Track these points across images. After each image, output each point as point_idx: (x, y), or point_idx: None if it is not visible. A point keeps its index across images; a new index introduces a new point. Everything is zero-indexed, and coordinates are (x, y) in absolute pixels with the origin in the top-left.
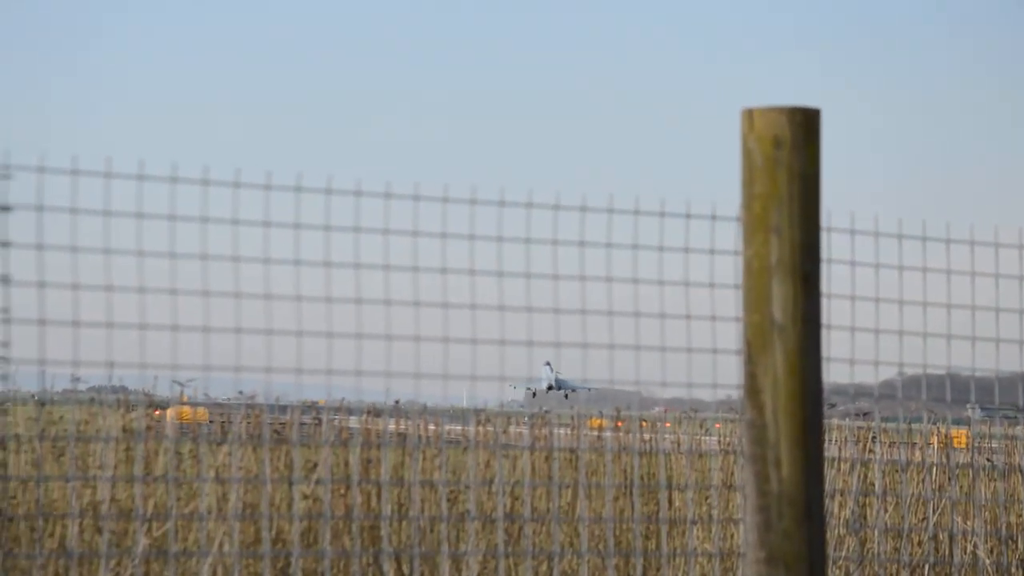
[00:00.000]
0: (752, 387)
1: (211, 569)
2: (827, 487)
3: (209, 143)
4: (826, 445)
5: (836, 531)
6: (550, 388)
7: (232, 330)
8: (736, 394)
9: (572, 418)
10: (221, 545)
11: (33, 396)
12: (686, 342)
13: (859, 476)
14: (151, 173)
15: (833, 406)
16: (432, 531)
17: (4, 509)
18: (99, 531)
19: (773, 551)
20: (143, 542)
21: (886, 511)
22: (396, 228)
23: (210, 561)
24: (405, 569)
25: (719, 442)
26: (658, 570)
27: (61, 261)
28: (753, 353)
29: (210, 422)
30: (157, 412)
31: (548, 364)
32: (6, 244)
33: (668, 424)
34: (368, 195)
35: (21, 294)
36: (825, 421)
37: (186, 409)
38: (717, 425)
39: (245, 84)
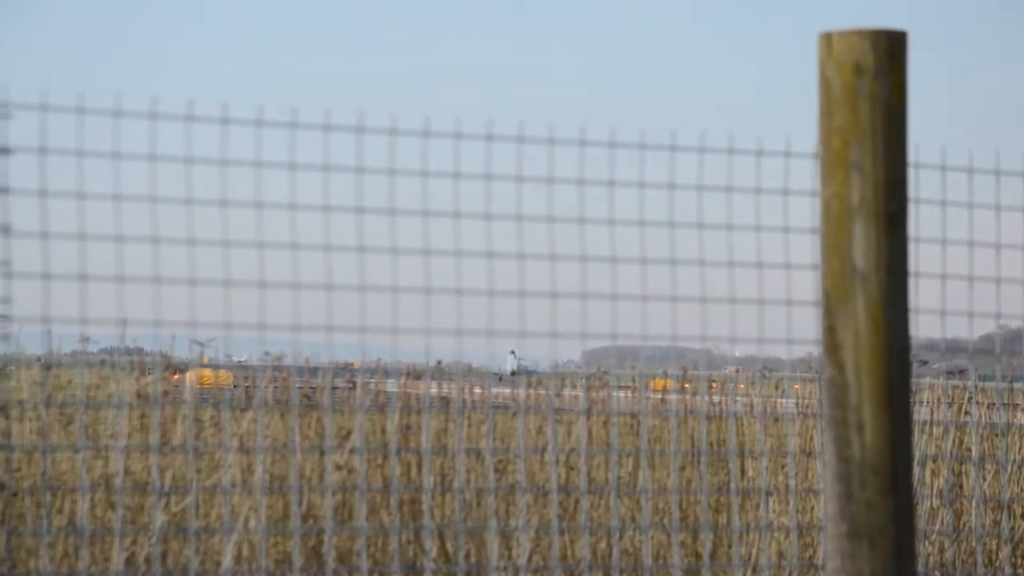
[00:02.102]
0: (831, 342)
1: (235, 547)
2: (916, 453)
3: (228, 79)
4: (916, 407)
5: (928, 502)
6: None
7: (256, 284)
8: (814, 351)
9: (633, 379)
10: (246, 521)
11: (38, 359)
12: (757, 293)
13: (954, 441)
14: (165, 111)
15: (924, 363)
16: (478, 504)
17: (7, 483)
18: (112, 506)
19: (855, 524)
20: (160, 518)
21: (984, 480)
22: (434, 169)
23: (234, 538)
24: (449, 546)
25: (797, 405)
26: (729, 546)
27: (67, 209)
28: (832, 304)
29: (234, 387)
30: (175, 376)
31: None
32: (5, 190)
33: (741, 386)
34: (404, 133)
35: (23, 245)
36: (914, 380)
37: (207, 372)
38: (796, 386)
39: (248, 15)
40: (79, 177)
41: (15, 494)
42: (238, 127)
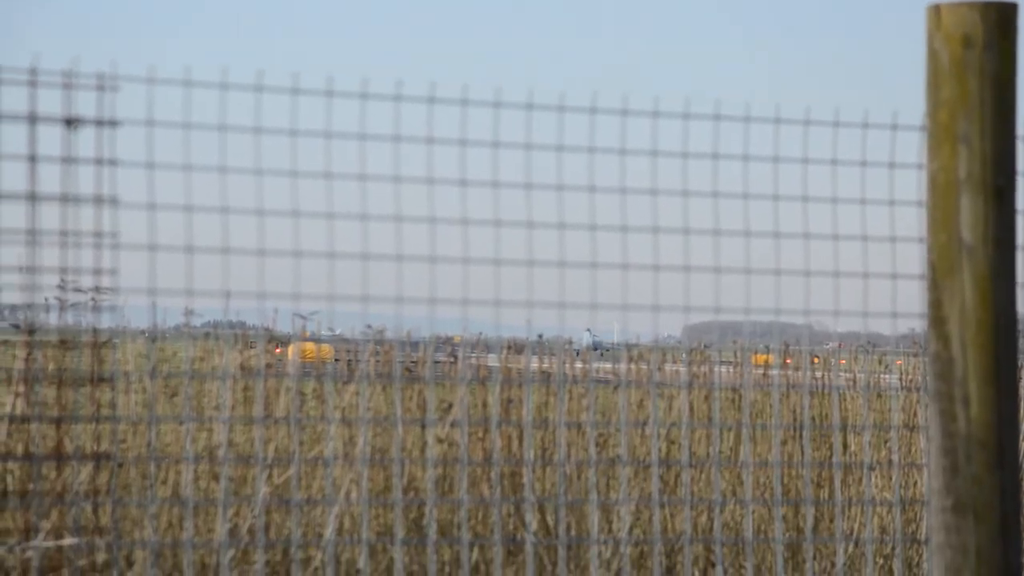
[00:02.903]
0: (936, 316)
1: (337, 519)
2: None
3: (332, 50)
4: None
5: None
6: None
7: (359, 256)
8: (919, 326)
9: (735, 354)
10: (348, 493)
11: (144, 332)
12: (862, 266)
13: None
14: (270, 84)
15: None
16: (579, 478)
17: (113, 453)
18: (216, 477)
19: (961, 498)
20: (264, 489)
21: None
22: (536, 142)
23: (336, 510)
24: (549, 519)
25: (900, 380)
26: (831, 520)
27: (173, 181)
28: (938, 278)
29: (336, 360)
30: (278, 349)
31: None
32: (114, 162)
33: (843, 361)
34: (506, 106)
35: (130, 217)
36: (1023, 354)
37: (310, 345)
38: (898, 362)
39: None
40: (186, 149)
41: (121, 465)
42: (341, 99)
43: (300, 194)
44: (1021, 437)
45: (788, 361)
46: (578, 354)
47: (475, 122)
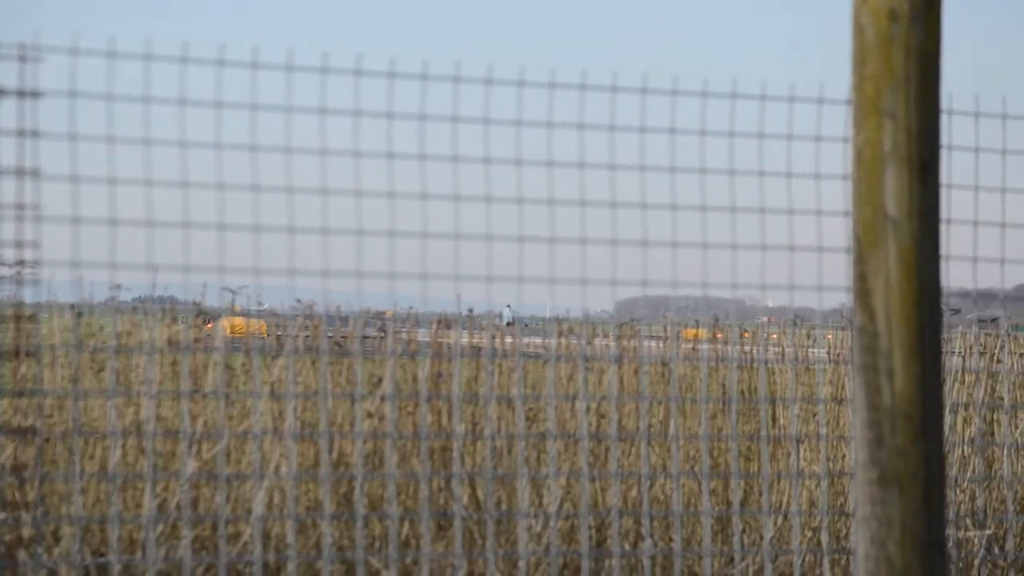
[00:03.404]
0: (862, 289)
1: (266, 494)
2: (948, 401)
3: (259, 23)
4: (948, 355)
5: (960, 450)
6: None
7: (284, 229)
8: (846, 299)
9: (665, 328)
10: (277, 468)
11: (72, 306)
12: (788, 240)
13: (985, 389)
14: (195, 55)
15: (956, 312)
16: (509, 452)
17: (39, 428)
18: (143, 452)
19: (886, 470)
20: (192, 464)
21: (1015, 427)
22: (464, 115)
23: (265, 485)
24: (479, 493)
25: (828, 353)
26: (760, 494)
27: (96, 153)
28: (863, 251)
29: (267, 336)
30: (209, 325)
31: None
32: (36, 134)
33: (774, 336)
34: (434, 79)
35: (52, 189)
36: (947, 328)
37: (240, 320)
38: (828, 336)
39: None
40: (109, 121)
41: (47, 440)
42: (268, 72)
43: (226, 166)
44: (946, 410)
45: (719, 336)
46: (498, 329)
47: (403, 95)
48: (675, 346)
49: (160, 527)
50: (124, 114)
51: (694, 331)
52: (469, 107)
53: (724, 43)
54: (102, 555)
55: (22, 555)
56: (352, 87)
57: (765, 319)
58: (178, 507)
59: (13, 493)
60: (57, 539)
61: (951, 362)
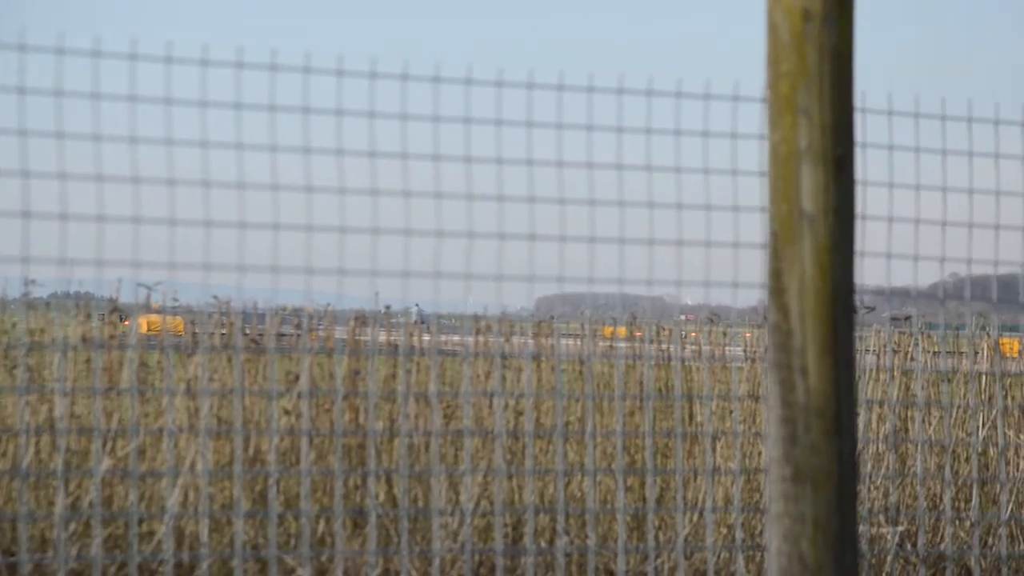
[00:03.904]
0: (776, 286)
1: (181, 491)
2: (863, 398)
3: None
4: (863, 353)
5: (874, 447)
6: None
7: (201, 223)
8: (763, 297)
9: (582, 326)
10: (192, 465)
11: None
12: (705, 236)
13: (899, 387)
14: (108, 49)
15: (871, 310)
16: (426, 449)
17: None
18: (56, 449)
19: (799, 467)
20: (105, 462)
21: (929, 425)
22: (382, 111)
23: (179, 482)
24: (396, 490)
25: (745, 351)
26: (676, 491)
27: (8, 146)
28: (779, 247)
29: (184, 334)
30: (126, 322)
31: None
32: None
33: (694, 334)
34: (322, 71)
35: None
36: (863, 326)
37: (156, 318)
38: (747, 334)
39: None
40: (21, 114)
41: None
42: (180, 66)
43: (141, 160)
44: (859, 407)
45: (639, 334)
46: (415, 326)
47: (318, 89)
48: (591, 344)
49: (72, 525)
50: (37, 107)
51: (611, 329)
52: (385, 102)
53: (641, 41)
54: (12, 554)
55: None
56: (267, 80)
57: (683, 317)
58: (91, 505)
59: None
60: None
61: (865, 360)
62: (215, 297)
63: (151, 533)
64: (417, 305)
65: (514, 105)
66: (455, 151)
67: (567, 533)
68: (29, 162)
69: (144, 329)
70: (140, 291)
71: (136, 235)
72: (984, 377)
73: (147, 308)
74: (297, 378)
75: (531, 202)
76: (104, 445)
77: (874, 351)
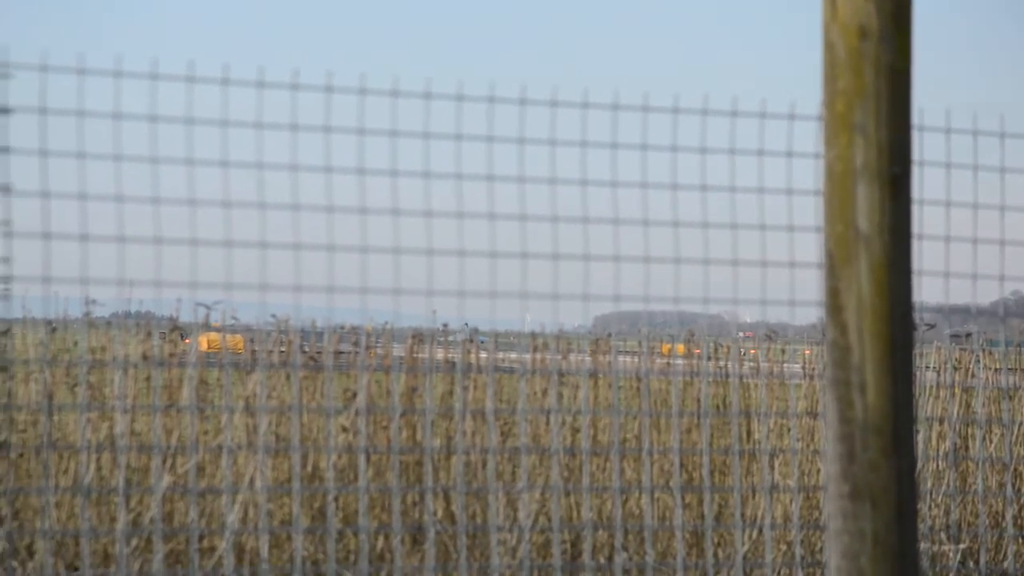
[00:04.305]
0: (834, 304)
1: (241, 507)
2: (922, 415)
3: (227, 41)
4: (924, 370)
5: (934, 464)
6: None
7: (257, 244)
8: (819, 314)
9: (639, 343)
10: (251, 482)
11: (50, 322)
12: (760, 255)
13: (959, 404)
14: (165, 72)
15: (931, 327)
16: (484, 467)
17: (12, 442)
18: (117, 466)
19: (857, 484)
20: (165, 479)
21: (989, 442)
22: (436, 131)
23: (239, 499)
24: (453, 506)
25: (803, 368)
26: (734, 508)
27: (67, 169)
28: (835, 267)
29: (244, 351)
30: (187, 340)
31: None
32: (6, 150)
33: (753, 351)
34: (404, 95)
35: (24, 205)
36: (923, 343)
37: (215, 336)
38: (806, 351)
39: None
40: (79, 137)
41: (21, 454)
42: (239, 88)
43: (198, 182)
44: (918, 424)
45: (697, 351)
46: (472, 344)
47: (373, 111)
48: (648, 360)
49: (133, 541)
50: (95, 130)
51: (669, 346)
52: (440, 123)
53: (696, 60)
54: (76, 569)
55: None
56: (323, 103)
57: (741, 334)
58: (152, 521)
59: None
60: (31, 553)
61: (926, 377)
62: (274, 316)
63: (212, 549)
64: (467, 324)
65: (569, 125)
66: (509, 171)
67: (625, 550)
68: (87, 185)
69: (204, 347)
70: (199, 310)
71: (194, 256)
72: None
73: (207, 327)
74: (355, 395)
75: (585, 222)
76: (164, 462)
77: (935, 368)
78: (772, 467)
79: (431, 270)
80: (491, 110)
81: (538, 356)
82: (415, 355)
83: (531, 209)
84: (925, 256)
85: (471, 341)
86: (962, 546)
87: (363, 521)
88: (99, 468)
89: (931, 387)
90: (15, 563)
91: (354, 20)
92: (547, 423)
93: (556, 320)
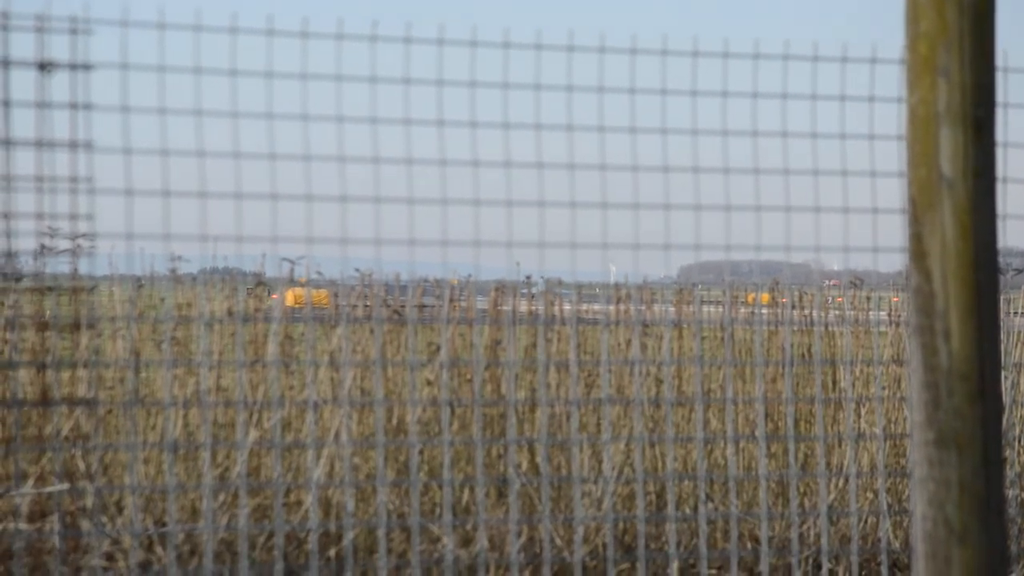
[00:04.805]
0: (918, 250)
1: (326, 461)
2: (1009, 361)
3: None
4: (1009, 315)
5: (1021, 410)
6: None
7: (337, 199)
8: (904, 262)
9: (723, 293)
10: (336, 436)
11: (136, 279)
12: (842, 201)
13: None
14: (244, 25)
15: (1020, 272)
16: (567, 418)
17: (101, 399)
18: (203, 422)
19: (943, 431)
20: (251, 433)
21: None
22: (514, 81)
23: (324, 453)
24: (537, 459)
25: (889, 315)
26: (819, 457)
27: (149, 125)
28: (918, 212)
29: (329, 306)
30: (274, 295)
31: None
32: (88, 106)
33: (840, 299)
34: (483, 45)
35: (106, 161)
36: (1011, 288)
37: (302, 291)
38: (894, 299)
39: None
40: (160, 93)
41: (109, 411)
42: (318, 40)
43: (276, 136)
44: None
45: (783, 300)
46: (557, 296)
47: (451, 62)
48: (732, 310)
49: (220, 496)
50: (175, 85)
51: (753, 296)
52: (518, 73)
53: (775, 4)
54: (164, 524)
55: (85, 524)
56: (402, 54)
57: (827, 282)
58: (238, 476)
59: (75, 463)
60: (120, 508)
61: (1012, 322)
62: (357, 270)
63: (297, 503)
64: (543, 277)
65: (648, 72)
66: (588, 121)
67: (710, 500)
68: (169, 141)
69: (290, 302)
70: (284, 265)
71: (275, 210)
72: None
73: (292, 282)
74: (438, 349)
75: (665, 171)
76: (250, 417)
77: (1022, 313)
78: (857, 415)
79: (511, 222)
80: (569, 59)
81: (621, 307)
82: (498, 307)
83: (610, 159)
84: (1010, 199)
85: (554, 293)
86: None
87: (447, 474)
88: (185, 424)
89: (1019, 332)
90: (104, 518)
91: None
92: (630, 374)
93: (639, 271)
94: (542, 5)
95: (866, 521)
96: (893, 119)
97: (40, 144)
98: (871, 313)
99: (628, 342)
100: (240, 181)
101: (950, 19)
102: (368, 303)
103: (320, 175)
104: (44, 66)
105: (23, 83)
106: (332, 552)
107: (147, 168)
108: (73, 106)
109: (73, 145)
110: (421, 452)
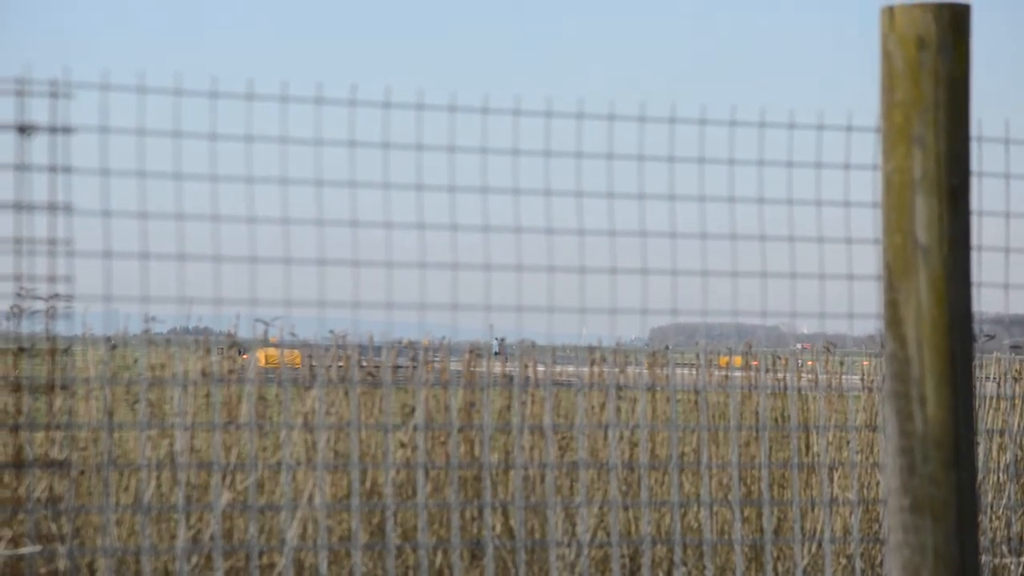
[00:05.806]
0: (893, 317)
1: (300, 523)
2: (982, 427)
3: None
4: (983, 381)
5: (995, 476)
6: (496, 354)
7: (314, 261)
8: (878, 326)
9: (697, 356)
10: (310, 498)
11: (109, 339)
12: (818, 268)
13: (1020, 415)
14: (224, 90)
15: (991, 338)
16: (541, 481)
17: (74, 460)
18: (177, 484)
19: (918, 498)
20: (225, 496)
21: None
22: (493, 147)
23: (298, 515)
24: (512, 522)
25: (862, 380)
26: (793, 521)
27: (127, 188)
28: (894, 279)
29: (301, 366)
30: (245, 356)
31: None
32: (68, 169)
33: (812, 363)
34: (463, 110)
35: (85, 224)
36: (981, 355)
37: (273, 351)
38: (864, 363)
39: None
40: (140, 156)
41: (82, 472)
42: (296, 105)
43: (256, 200)
44: (979, 436)
45: (755, 363)
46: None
47: (431, 127)
48: (706, 373)
49: (194, 558)
50: (155, 148)
51: (729, 359)
52: (497, 139)
53: (751, 71)
54: None
55: None
56: (380, 120)
57: (799, 346)
58: (212, 538)
59: (48, 526)
60: (92, 571)
61: (985, 388)
62: (331, 331)
63: (271, 565)
64: (497, 338)
65: (626, 138)
66: (567, 186)
67: (684, 564)
68: (147, 203)
69: (262, 363)
70: (258, 326)
71: (253, 273)
72: None
73: (265, 342)
74: (413, 411)
75: (643, 236)
76: (224, 479)
77: (994, 379)
78: (831, 480)
79: (489, 285)
80: (548, 125)
81: (595, 370)
82: (472, 369)
83: (588, 224)
84: (984, 267)
85: (496, 354)
86: (1023, 558)
87: (422, 537)
88: (159, 485)
89: (991, 399)
90: None
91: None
92: (605, 437)
93: (613, 333)
94: (521, 71)
95: None
96: (868, 186)
97: (19, 207)
98: (844, 378)
99: (602, 405)
100: (219, 244)
101: (925, 89)
102: (342, 364)
103: (298, 238)
104: (24, 129)
105: (3, 146)
106: None
107: (126, 230)
108: (52, 169)
109: (52, 207)
110: (395, 515)
